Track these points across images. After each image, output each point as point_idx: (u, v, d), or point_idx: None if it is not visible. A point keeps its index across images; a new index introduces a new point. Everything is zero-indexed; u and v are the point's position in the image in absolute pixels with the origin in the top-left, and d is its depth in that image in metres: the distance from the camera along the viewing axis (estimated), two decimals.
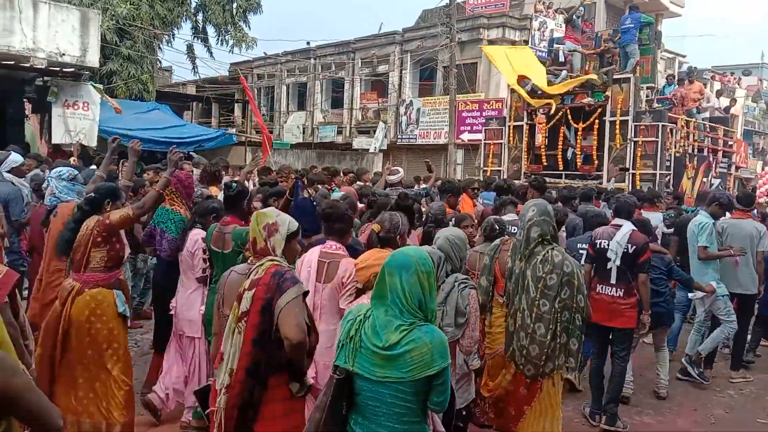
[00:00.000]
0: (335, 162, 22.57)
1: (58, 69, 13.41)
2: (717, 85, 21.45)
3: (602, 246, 5.21)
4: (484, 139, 14.92)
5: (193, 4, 22.88)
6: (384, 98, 26.40)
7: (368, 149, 24.53)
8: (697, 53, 66.97)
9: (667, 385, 5.96)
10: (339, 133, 27.95)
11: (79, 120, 13.91)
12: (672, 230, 7.50)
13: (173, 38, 22.86)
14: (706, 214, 6.47)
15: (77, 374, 3.94)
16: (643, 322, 5.20)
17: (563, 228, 6.62)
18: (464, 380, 4.05)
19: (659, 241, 7.09)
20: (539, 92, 12.83)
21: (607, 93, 12.21)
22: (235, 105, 31.47)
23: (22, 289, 5.23)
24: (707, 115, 15.06)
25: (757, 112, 31.20)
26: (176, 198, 5.05)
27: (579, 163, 12.75)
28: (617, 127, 12.05)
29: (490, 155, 14.48)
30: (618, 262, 5.09)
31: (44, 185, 5.08)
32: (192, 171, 6.29)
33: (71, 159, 11.07)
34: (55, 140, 13.79)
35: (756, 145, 27.45)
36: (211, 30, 23.43)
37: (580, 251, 5.63)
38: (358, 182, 9.52)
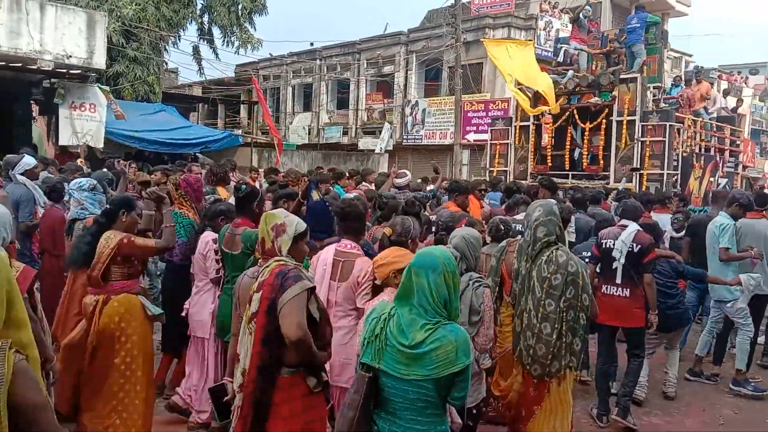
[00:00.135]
0: (341, 163, 22.62)
1: (64, 71, 13.46)
2: (724, 85, 21.35)
3: (608, 246, 5.21)
4: (490, 140, 14.90)
5: (199, 6, 22.96)
6: (389, 99, 26.40)
7: (374, 150, 24.54)
8: (703, 52, 66.71)
9: (675, 385, 5.94)
10: (345, 133, 27.97)
11: (86, 122, 13.96)
12: (681, 234, 7.45)
13: (179, 40, 22.96)
14: (726, 215, 6.40)
15: (102, 384, 3.95)
16: (651, 321, 5.20)
17: (573, 229, 6.64)
18: (475, 379, 4.05)
19: (667, 245, 7.07)
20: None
21: (613, 93, 12.17)
22: (241, 106, 31.54)
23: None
24: (714, 114, 15.00)
25: (764, 112, 31.01)
26: (185, 202, 5.08)
27: (586, 164, 12.72)
28: (624, 127, 12.01)
29: (496, 155, 14.46)
30: (623, 260, 5.09)
31: (66, 198, 5.09)
32: (201, 173, 6.31)
33: (78, 160, 11.13)
34: (62, 142, 13.84)
35: (763, 145, 27.28)
36: (216, 31, 23.51)
37: (585, 260, 5.62)
38: (363, 183, 9.51)
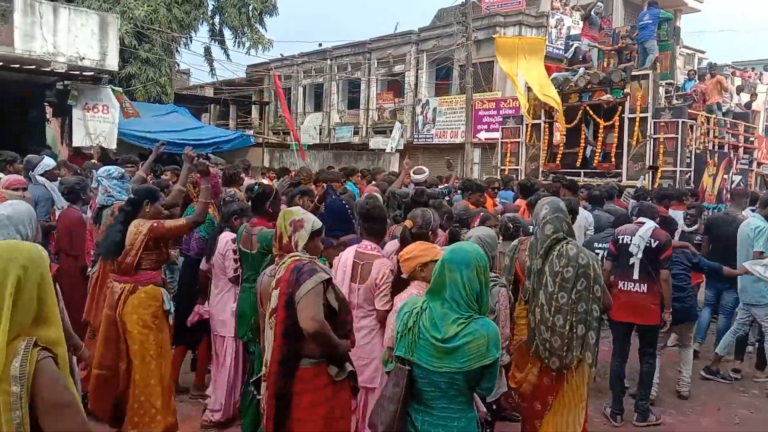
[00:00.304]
0: (352, 162, 22.63)
1: (77, 73, 13.57)
2: (738, 81, 21.13)
3: (625, 241, 5.20)
4: (501, 138, 14.85)
5: (210, 7, 23.05)
6: (400, 98, 26.40)
7: (385, 149, 24.55)
8: (717, 49, 66.02)
9: (689, 383, 5.90)
10: (355, 133, 28.01)
11: (99, 123, 14.06)
12: (693, 228, 7.40)
13: (191, 41, 23.06)
14: (760, 217, 6.34)
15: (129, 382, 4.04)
16: (664, 320, 5.17)
17: (592, 229, 6.63)
18: None
19: (677, 238, 7.03)
20: (556, 88, 12.74)
21: (625, 90, 12.10)
22: (252, 107, 31.65)
23: None
24: (732, 108, 14.86)
25: None
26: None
27: (597, 161, 12.65)
28: (636, 124, 11.92)
29: (508, 154, 14.42)
30: (640, 255, 5.08)
31: (93, 184, 5.15)
32: (218, 173, 6.38)
33: (91, 162, 11.20)
34: (75, 143, 13.94)
35: None
36: (227, 32, 23.60)
37: (596, 251, 5.61)
38: (373, 182, 9.51)
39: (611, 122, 12.30)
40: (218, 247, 4.72)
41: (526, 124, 14.00)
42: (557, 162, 13.28)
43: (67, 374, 1.91)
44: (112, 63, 14.38)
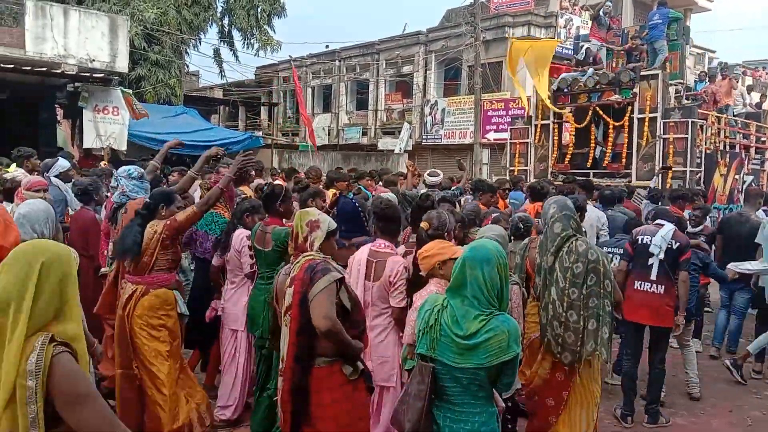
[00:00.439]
0: (360, 163, 22.66)
1: (88, 75, 13.63)
2: (749, 80, 21.01)
3: (644, 242, 5.20)
4: (510, 139, 14.81)
5: (219, 9, 23.14)
6: (409, 99, 26.39)
7: (393, 150, 24.54)
8: (727, 48, 65.60)
9: (698, 383, 5.86)
10: (364, 134, 28.02)
11: (109, 125, 14.12)
12: (698, 229, 7.36)
13: (200, 43, 23.15)
14: None
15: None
16: (677, 323, 5.16)
17: (606, 230, 6.62)
18: None
19: None
20: (565, 89, 12.73)
21: (634, 90, 12.04)
22: (261, 108, 31.74)
23: None
24: (740, 110, 14.76)
25: None
26: (219, 202, 5.17)
27: (607, 162, 12.60)
28: (645, 124, 11.87)
29: (517, 154, 14.38)
30: (662, 256, 5.08)
31: (113, 184, 5.21)
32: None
33: (101, 163, 11.26)
34: (86, 145, 14.01)
35: None
36: (236, 34, 23.67)
37: (611, 256, 5.59)
38: (379, 183, 9.51)
39: (621, 122, 12.24)
40: (233, 243, 4.76)
41: (535, 125, 13.96)
42: (566, 162, 13.23)
43: (87, 369, 1.95)
44: (122, 65, 14.44)
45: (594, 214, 6.70)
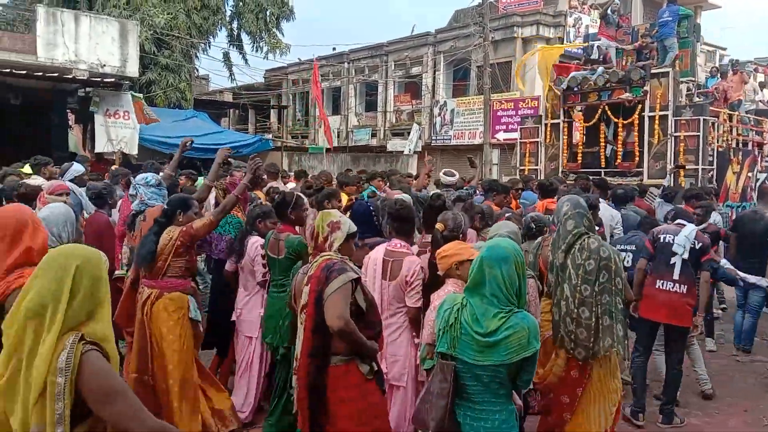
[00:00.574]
0: (370, 165, 22.64)
1: (99, 80, 13.75)
2: (760, 77, 20.82)
3: (666, 240, 5.19)
4: (520, 138, 14.75)
5: (228, 13, 23.24)
6: (418, 100, 26.39)
7: (403, 151, 24.54)
8: (738, 45, 65.09)
9: (708, 380, 5.81)
10: (373, 135, 28.05)
11: (120, 129, 14.24)
12: (701, 227, 7.30)
13: (209, 46, 23.26)
14: None
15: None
16: (697, 323, 5.15)
17: (620, 229, 6.60)
18: None
19: None
20: (575, 87, 12.70)
21: (645, 88, 11.96)
22: (271, 110, 31.83)
23: None
24: (753, 106, 14.64)
25: None
26: None
27: (618, 160, 12.53)
28: (656, 122, 11.79)
29: (527, 154, 14.32)
30: (686, 255, 5.07)
31: (131, 192, 5.27)
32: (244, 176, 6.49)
33: (113, 167, 11.34)
34: (98, 149, 14.13)
35: None
36: (245, 38, 23.77)
37: (623, 254, 5.58)
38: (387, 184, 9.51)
39: (631, 120, 12.18)
40: (248, 251, 4.79)
41: (545, 124, 13.90)
42: (578, 161, 13.17)
43: (117, 369, 2.01)
44: (133, 69, 14.56)
45: (608, 213, 6.68)
